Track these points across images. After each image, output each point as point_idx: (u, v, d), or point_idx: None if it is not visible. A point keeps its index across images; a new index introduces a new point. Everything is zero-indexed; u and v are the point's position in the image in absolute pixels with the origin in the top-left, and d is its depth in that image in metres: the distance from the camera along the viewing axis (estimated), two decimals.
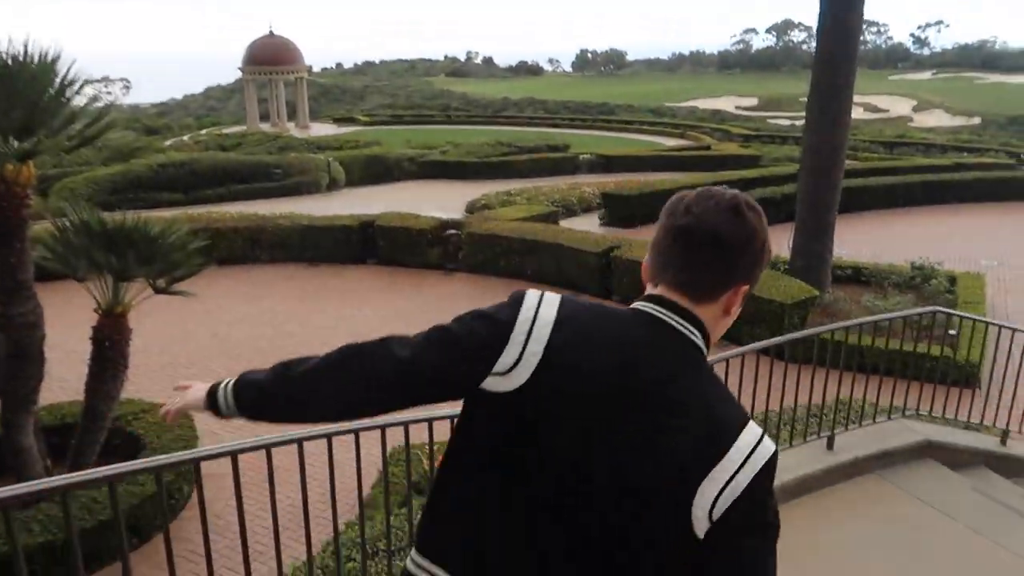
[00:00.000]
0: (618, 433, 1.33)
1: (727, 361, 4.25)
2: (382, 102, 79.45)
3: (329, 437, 2.89)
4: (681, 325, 1.42)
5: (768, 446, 1.37)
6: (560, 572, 1.36)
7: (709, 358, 1.50)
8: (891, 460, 4.90)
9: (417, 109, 67.28)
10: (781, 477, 4.52)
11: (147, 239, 5.74)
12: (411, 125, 52.48)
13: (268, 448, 2.71)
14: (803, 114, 13.06)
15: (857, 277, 13.91)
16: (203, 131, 47.66)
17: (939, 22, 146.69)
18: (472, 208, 20.55)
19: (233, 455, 2.61)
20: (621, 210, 19.54)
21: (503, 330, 1.41)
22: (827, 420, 4.90)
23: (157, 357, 10.62)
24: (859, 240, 17.73)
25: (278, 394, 1.59)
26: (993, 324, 5.65)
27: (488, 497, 1.40)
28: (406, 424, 3.14)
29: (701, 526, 1.31)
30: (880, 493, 4.59)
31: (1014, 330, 5.46)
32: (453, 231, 15.52)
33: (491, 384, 1.40)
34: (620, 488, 1.32)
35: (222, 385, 1.70)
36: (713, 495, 1.30)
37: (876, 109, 71.29)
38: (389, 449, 3.18)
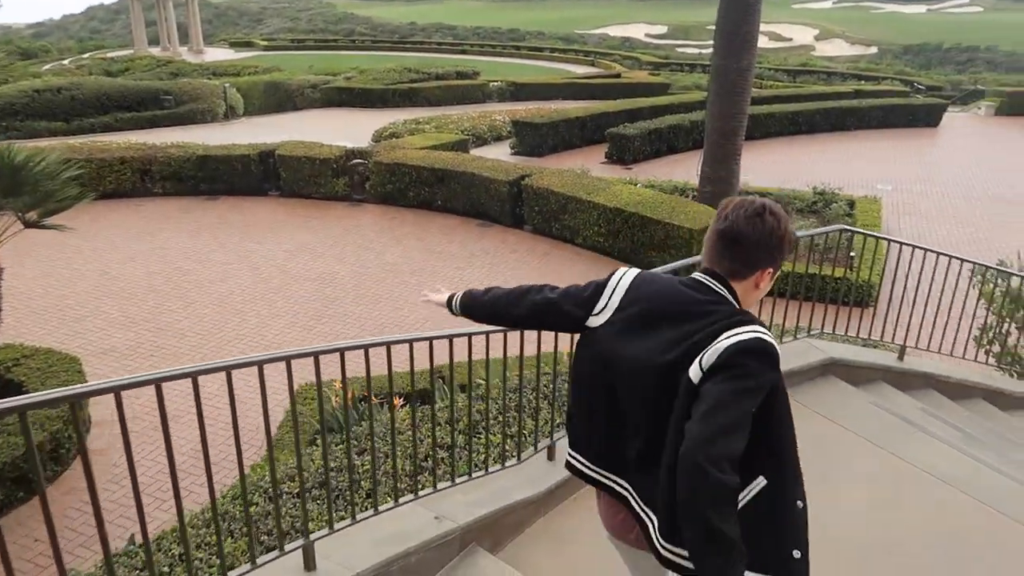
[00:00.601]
0: (657, 332, 2.02)
1: None
2: (282, 26, 75.51)
3: (228, 371, 2.59)
4: (714, 284, 2.04)
5: (752, 332, 1.89)
6: (630, 438, 2.08)
7: None
8: (797, 379, 5.01)
9: (320, 33, 64.27)
10: None
11: (11, 168, 5.17)
12: (313, 51, 50.17)
13: (158, 383, 2.38)
14: (711, 43, 13.01)
15: None
16: (86, 55, 44.25)
17: None
18: (379, 137, 19.87)
19: (116, 391, 2.27)
20: (532, 139, 19.28)
21: (600, 288, 2.22)
22: None
23: (41, 299, 9.89)
24: (765, 167, 18.12)
25: (483, 308, 2.53)
26: (895, 241, 5.76)
27: (592, 400, 2.17)
28: (316, 354, 2.85)
29: (696, 373, 1.88)
30: None
31: (914, 247, 5.60)
32: (359, 161, 14.95)
33: (591, 322, 2.18)
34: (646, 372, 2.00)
35: (455, 297, 2.59)
36: (703, 357, 1.88)
37: (780, 38, 72.63)
38: (296, 386, 2.93)
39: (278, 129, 20.45)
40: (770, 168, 18.16)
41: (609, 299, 2.17)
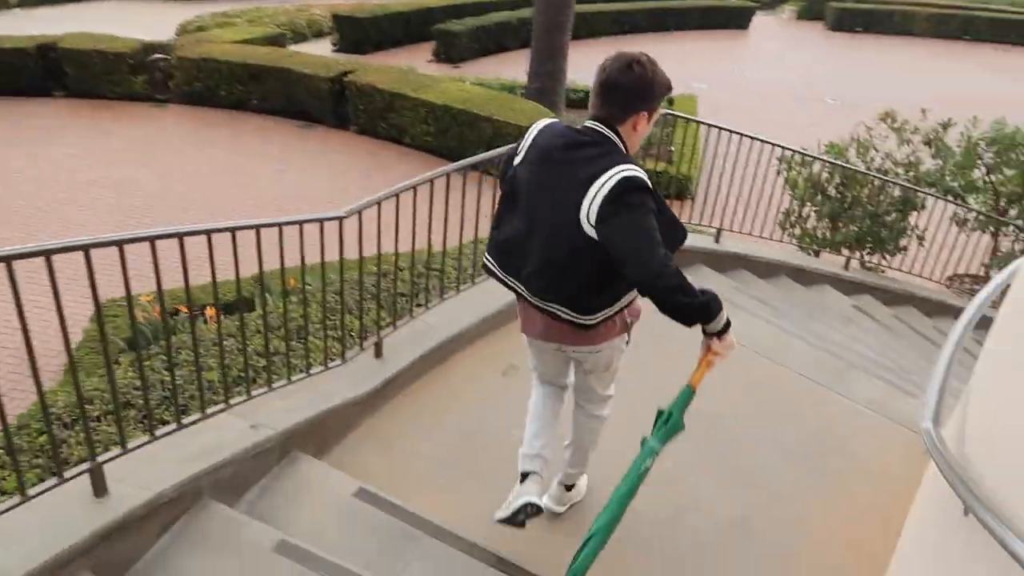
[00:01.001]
0: (551, 174, 2.37)
1: (447, 177, 3.95)
2: None
3: (8, 261, 2.11)
4: (600, 127, 2.36)
5: (625, 171, 2.26)
6: (533, 246, 2.41)
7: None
8: None
9: None
10: None
11: None
12: None
13: None
14: None
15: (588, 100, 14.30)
16: None
17: None
18: (183, 31, 17.96)
19: None
20: (355, 34, 18.20)
21: (520, 143, 2.54)
22: None
23: None
24: (592, 66, 18.06)
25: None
26: (712, 125, 5.92)
27: (505, 215, 2.54)
28: (120, 243, 2.39)
29: (589, 226, 2.27)
30: None
31: (730, 131, 5.78)
32: (160, 56, 13.44)
33: (515, 162, 2.52)
34: (553, 199, 2.35)
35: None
36: (589, 202, 2.25)
37: None
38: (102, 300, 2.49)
39: (63, 21, 17.98)
40: (597, 67, 18.26)
41: (523, 145, 2.52)
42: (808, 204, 7.46)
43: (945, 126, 7.53)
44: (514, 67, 16.85)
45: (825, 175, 7.39)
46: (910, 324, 6.46)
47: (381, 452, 3.48)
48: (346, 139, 12.35)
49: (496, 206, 2.63)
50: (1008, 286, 3.02)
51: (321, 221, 3.28)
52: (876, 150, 7.59)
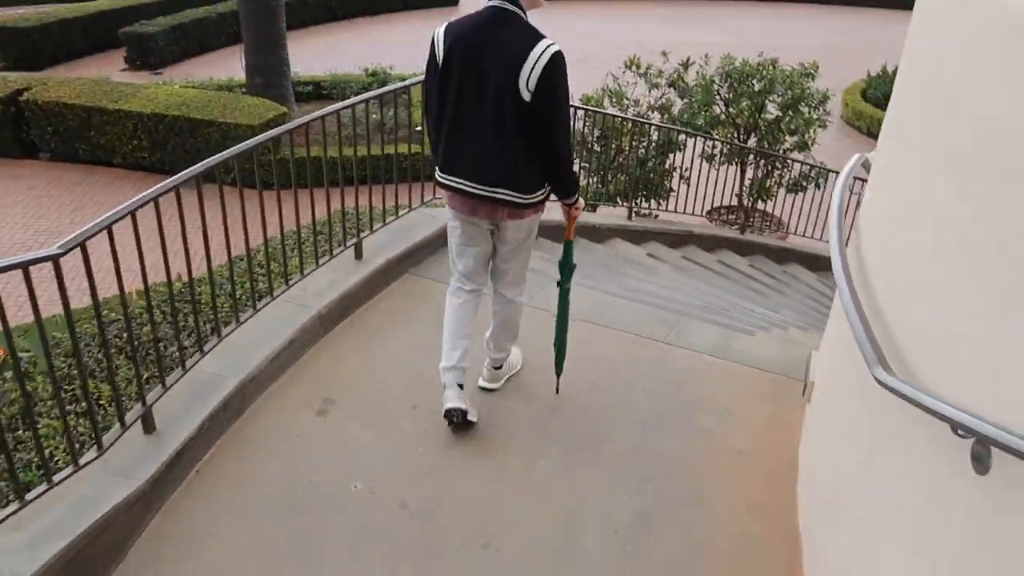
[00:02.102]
0: (482, 58, 2.71)
1: (176, 190, 3.04)
2: None
3: None
4: (507, 5, 2.72)
5: (552, 45, 2.67)
6: (485, 125, 2.78)
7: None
8: (416, 257, 4.47)
9: None
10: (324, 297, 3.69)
11: None
12: None
13: None
14: None
15: (318, 92, 13.34)
16: None
17: None
18: None
19: None
20: (21, 48, 15.47)
21: (432, 51, 2.83)
22: (352, 229, 4.18)
23: None
24: (311, 56, 17.11)
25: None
26: None
27: (445, 115, 2.85)
28: None
29: (527, 95, 2.67)
30: (413, 289, 4.17)
31: None
32: None
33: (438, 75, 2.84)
34: (489, 80, 2.71)
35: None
36: (527, 75, 2.65)
37: None
38: None
39: None
40: (317, 57, 17.24)
41: (438, 49, 2.77)
42: (576, 160, 7.31)
43: (685, 65, 7.74)
44: (224, 66, 15.36)
45: (585, 130, 7.27)
46: (698, 261, 6.54)
47: (185, 559, 2.58)
48: (39, 170, 10.34)
49: (431, 126, 2.93)
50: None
51: (25, 265, 2.28)
52: (628, 99, 7.61)
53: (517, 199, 2.87)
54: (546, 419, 3.36)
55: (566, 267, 3.24)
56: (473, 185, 2.86)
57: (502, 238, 3.07)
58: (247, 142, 3.26)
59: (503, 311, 3.28)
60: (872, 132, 13.92)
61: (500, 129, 2.73)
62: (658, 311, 4.41)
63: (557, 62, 2.63)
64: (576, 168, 2.97)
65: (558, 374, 3.45)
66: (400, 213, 4.54)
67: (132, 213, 2.63)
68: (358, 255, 4.14)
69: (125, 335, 3.40)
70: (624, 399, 3.55)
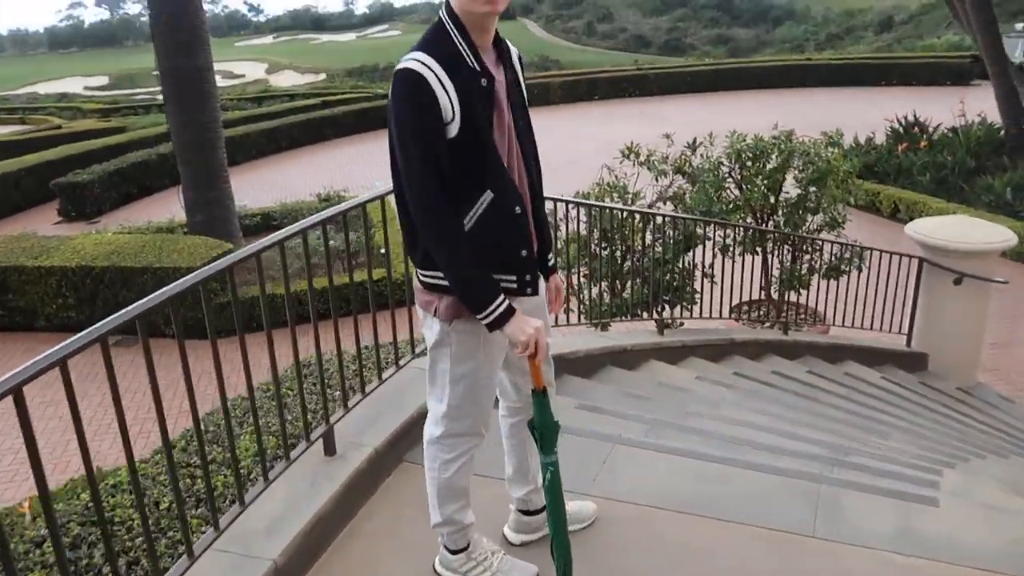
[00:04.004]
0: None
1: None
2: None
3: None
4: (442, 13, 2.04)
5: (400, 64, 1.94)
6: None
7: None
8: (414, 436, 3.16)
9: None
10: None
11: None
12: None
13: None
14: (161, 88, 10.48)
15: (268, 223, 12.25)
16: None
17: None
18: None
19: None
20: None
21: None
22: (318, 409, 2.86)
23: None
24: (258, 190, 16.17)
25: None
26: None
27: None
28: None
29: None
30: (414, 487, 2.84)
31: None
32: None
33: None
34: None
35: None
36: None
37: (232, 75, 70.57)
38: None
39: None
40: (264, 190, 16.29)
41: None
42: (579, 271, 6.13)
43: (692, 147, 6.74)
44: (167, 207, 14.25)
45: (583, 230, 6.12)
46: (760, 379, 5.25)
47: None
48: None
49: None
50: None
51: None
52: (628, 192, 6.52)
53: (417, 274, 2.13)
54: None
55: (543, 429, 2.14)
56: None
57: None
58: (160, 291, 2.01)
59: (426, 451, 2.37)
60: (860, 204, 12.86)
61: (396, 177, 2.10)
62: (769, 476, 3.08)
63: (396, 82, 1.90)
64: (463, 258, 1.96)
65: None
66: (385, 376, 3.21)
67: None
68: (328, 450, 2.77)
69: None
70: None
